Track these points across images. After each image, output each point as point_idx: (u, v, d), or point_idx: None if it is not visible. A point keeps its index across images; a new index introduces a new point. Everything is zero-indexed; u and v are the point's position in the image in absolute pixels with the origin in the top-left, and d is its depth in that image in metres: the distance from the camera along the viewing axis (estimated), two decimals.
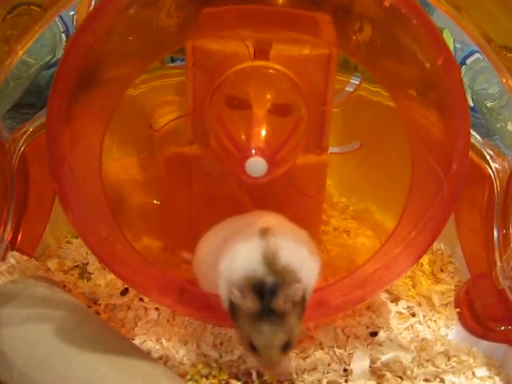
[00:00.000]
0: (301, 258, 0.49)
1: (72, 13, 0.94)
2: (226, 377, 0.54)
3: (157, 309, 0.61)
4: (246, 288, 0.46)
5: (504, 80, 0.55)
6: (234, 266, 0.48)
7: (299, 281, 0.47)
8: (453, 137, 0.51)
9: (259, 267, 0.47)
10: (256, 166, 0.49)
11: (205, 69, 0.56)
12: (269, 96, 0.54)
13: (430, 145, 0.53)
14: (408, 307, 0.64)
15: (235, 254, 0.48)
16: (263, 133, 0.51)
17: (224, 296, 0.48)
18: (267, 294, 0.45)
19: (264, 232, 0.49)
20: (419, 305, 0.65)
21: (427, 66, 0.49)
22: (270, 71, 0.54)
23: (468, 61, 0.99)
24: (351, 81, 0.65)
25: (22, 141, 0.64)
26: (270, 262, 0.47)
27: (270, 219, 0.53)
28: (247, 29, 0.54)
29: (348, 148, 0.63)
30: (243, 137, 0.51)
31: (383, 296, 0.65)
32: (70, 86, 0.50)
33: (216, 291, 0.50)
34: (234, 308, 0.47)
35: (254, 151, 0.49)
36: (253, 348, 0.46)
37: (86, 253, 0.69)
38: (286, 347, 0.46)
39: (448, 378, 0.56)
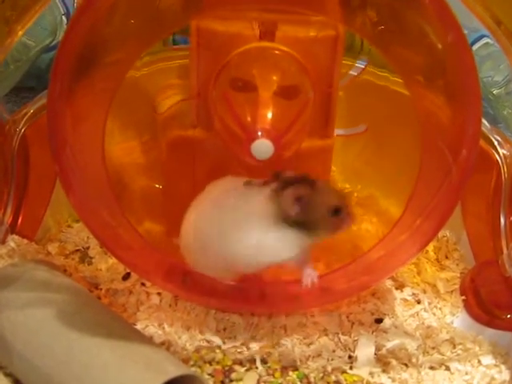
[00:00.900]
0: None
1: None
2: (229, 363, 0.54)
3: (159, 294, 0.61)
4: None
5: None
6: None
7: None
8: (464, 121, 0.50)
9: None
10: (262, 147, 0.49)
11: (209, 50, 0.55)
12: (275, 78, 0.53)
13: (439, 129, 0.52)
14: (413, 294, 0.63)
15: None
16: (269, 115, 0.50)
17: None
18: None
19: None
20: (424, 292, 0.64)
21: (439, 46, 0.49)
22: (276, 52, 0.54)
23: (474, 47, 0.98)
24: (356, 64, 0.64)
25: (22, 122, 0.63)
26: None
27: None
28: (251, 6, 0.52)
29: (354, 130, 0.62)
30: (249, 119, 0.50)
31: (388, 283, 0.64)
32: (71, 67, 0.49)
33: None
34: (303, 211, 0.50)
35: (260, 133, 0.48)
36: (335, 212, 0.51)
37: (88, 237, 0.68)
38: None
39: (453, 365, 0.55)
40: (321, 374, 0.53)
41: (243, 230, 0.52)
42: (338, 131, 0.61)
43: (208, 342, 0.56)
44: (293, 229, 0.51)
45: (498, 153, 0.64)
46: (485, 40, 0.95)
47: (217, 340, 0.56)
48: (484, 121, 0.63)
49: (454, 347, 0.57)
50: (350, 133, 0.63)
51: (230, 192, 0.53)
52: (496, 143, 0.64)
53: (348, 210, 0.52)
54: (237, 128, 0.50)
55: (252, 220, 0.51)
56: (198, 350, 0.55)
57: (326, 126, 0.60)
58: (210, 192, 0.55)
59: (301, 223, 0.51)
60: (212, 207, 0.54)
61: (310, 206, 0.50)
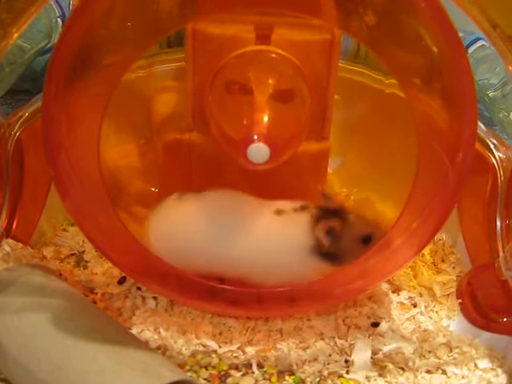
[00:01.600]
0: None
1: None
2: (225, 367, 0.54)
3: (155, 298, 0.60)
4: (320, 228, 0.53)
5: (510, 68, 0.54)
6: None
7: None
8: (460, 125, 0.50)
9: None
10: (258, 151, 0.48)
11: (205, 53, 0.55)
12: (271, 81, 0.53)
13: (436, 132, 0.52)
14: (409, 298, 0.63)
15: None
16: (265, 118, 0.50)
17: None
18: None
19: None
20: (420, 295, 0.64)
21: (434, 50, 0.48)
22: (272, 56, 0.54)
23: (470, 50, 0.98)
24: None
25: (17, 126, 0.63)
26: None
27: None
28: (248, 9, 0.52)
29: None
30: (245, 122, 0.50)
31: (384, 286, 0.64)
32: (66, 70, 0.48)
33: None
34: (334, 241, 0.53)
35: (256, 137, 0.48)
36: (367, 240, 0.53)
37: (83, 241, 0.68)
38: None
39: (450, 369, 0.55)
40: (317, 379, 0.53)
41: (282, 256, 0.55)
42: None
43: (204, 346, 0.56)
44: (323, 259, 0.54)
45: (494, 156, 0.64)
46: (480, 42, 0.95)
47: (213, 344, 0.56)
48: (480, 124, 0.63)
49: (451, 351, 0.57)
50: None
51: (251, 214, 0.55)
52: (492, 146, 0.64)
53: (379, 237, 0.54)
54: (232, 131, 0.50)
55: (292, 248, 0.55)
56: (193, 354, 0.55)
57: (322, 129, 0.60)
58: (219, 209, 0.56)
59: (332, 253, 0.54)
60: (233, 228, 0.55)
61: (341, 238, 0.53)
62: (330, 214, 0.54)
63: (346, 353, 0.56)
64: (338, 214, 0.54)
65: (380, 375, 0.54)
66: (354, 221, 0.54)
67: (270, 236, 0.55)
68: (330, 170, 0.69)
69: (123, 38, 0.51)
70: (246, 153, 0.48)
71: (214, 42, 0.55)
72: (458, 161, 0.50)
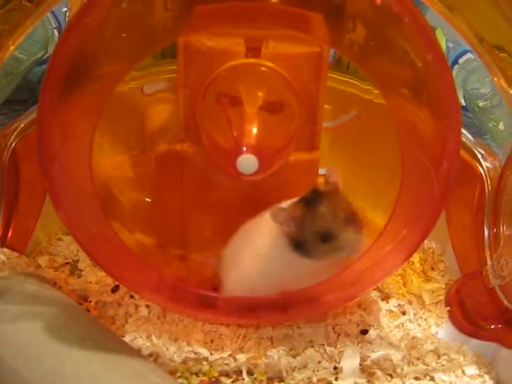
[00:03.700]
0: None
1: (65, 9, 0.94)
2: (216, 374, 0.54)
3: (147, 306, 0.61)
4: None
5: (496, 79, 0.55)
6: None
7: None
8: (444, 135, 0.51)
9: None
10: (247, 163, 0.49)
11: (197, 65, 0.56)
12: (260, 93, 0.54)
13: (421, 143, 0.53)
14: (399, 305, 0.64)
15: None
16: (254, 130, 0.51)
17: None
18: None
19: None
20: (410, 303, 0.65)
21: (419, 64, 0.50)
22: (262, 69, 0.55)
23: (460, 60, 0.99)
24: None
25: (13, 137, 0.64)
26: None
27: None
28: (239, 25, 0.53)
29: (342, 119, 0.63)
30: (234, 134, 0.51)
31: (374, 294, 0.65)
32: (60, 82, 0.49)
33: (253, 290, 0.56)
34: (291, 235, 0.52)
35: (245, 148, 0.49)
36: (326, 237, 0.51)
37: (77, 250, 0.69)
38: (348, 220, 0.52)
39: (438, 376, 0.56)
40: None
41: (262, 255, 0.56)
42: (326, 124, 0.62)
43: (195, 353, 0.57)
44: (296, 253, 0.53)
45: (482, 166, 0.64)
46: (469, 55, 0.96)
47: (204, 351, 0.57)
48: (468, 134, 0.64)
49: (439, 358, 0.58)
50: (339, 123, 0.64)
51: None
52: (480, 156, 0.65)
53: (348, 236, 0.52)
54: (222, 143, 0.51)
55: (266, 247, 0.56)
56: (185, 361, 0.56)
57: (312, 140, 0.61)
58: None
59: (300, 247, 0.53)
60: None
61: (303, 228, 0.52)
62: (300, 201, 0.53)
63: (335, 360, 0.57)
64: (308, 202, 0.53)
65: (368, 382, 0.55)
66: (321, 213, 0.52)
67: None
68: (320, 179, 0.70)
69: (117, 50, 0.52)
70: (235, 164, 0.49)
71: (205, 54, 0.56)
72: (442, 170, 0.51)
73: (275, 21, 0.51)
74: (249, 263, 0.57)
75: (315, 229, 0.52)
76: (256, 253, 0.56)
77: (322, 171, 0.63)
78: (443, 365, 0.57)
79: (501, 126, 0.91)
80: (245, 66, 0.55)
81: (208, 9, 0.51)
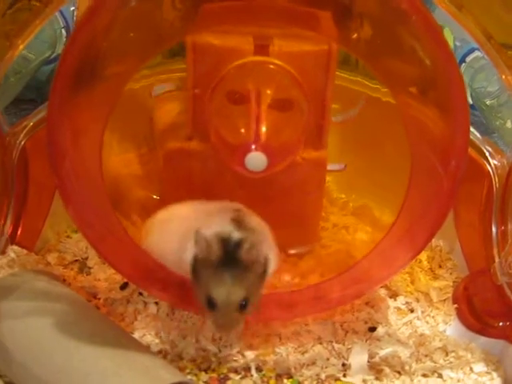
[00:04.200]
0: (265, 236, 0.51)
1: (72, 8, 0.94)
2: (224, 371, 0.55)
3: (156, 303, 0.62)
4: (213, 238, 0.47)
5: (503, 77, 0.55)
6: (204, 229, 0.48)
7: (264, 240, 0.49)
8: (452, 133, 0.51)
9: (227, 226, 0.48)
10: (256, 160, 0.50)
11: (205, 64, 0.56)
12: (269, 91, 0.54)
13: (429, 141, 0.53)
14: (406, 303, 0.64)
15: (206, 224, 0.49)
16: (263, 128, 0.51)
17: (189, 257, 0.49)
18: (232, 245, 0.47)
19: (234, 210, 0.51)
20: (417, 301, 0.65)
21: (427, 62, 0.50)
22: (271, 66, 0.55)
23: (468, 59, 0.99)
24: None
25: (22, 135, 0.64)
26: (239, 222, 0.49)
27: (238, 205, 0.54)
28: (248, 23, 0.54)
29: (348, 114, 0.64)
30: (243, 131, 0.51)
31: (382, 292, 0.65)
32: (70, 81, 0.50)
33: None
34: (197, 262, 0.48)
35: (253, 146, 0.49)
36: (211, 305, 0.47)
37: (86, 247, 0.69)
38: (243, 306, 0.47)
39: (446, 373, 0.56)
40: (315, 382, 0.54)
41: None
42: (335, 118, 0.62)
43: (204, 350, 0.57)
44: None
45: (490, 163, 0.64)
46: (477, 53, 0.96)
47: (213, 348, 0.57)
48: (476, 132, 0.64)
49: (447, 355, 0.58)
50: (347, 117, 0.64)
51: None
52: (487, 154, 0.65)
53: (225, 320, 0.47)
54: (232, 140, 0.51)
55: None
56: (194, 358, 0.56)
57: (320, 138, 0.61)
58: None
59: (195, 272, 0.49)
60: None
61: (203, 274, 0.48)
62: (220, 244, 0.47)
63: (343, 356, 0.57)
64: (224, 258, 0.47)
65: (376, 378, 0.55)
66: (224, 285, 0.47)
67: None
68: (328, 178, 0.70)
69: (125, 49, 0.53)
70: (243, 161, 0.50)
71: (213, 53, 0.56)
72: (450, 168, 0.52)
73: (283, 19, 0.51)
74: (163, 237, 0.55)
75: (208, 292, 0.47)
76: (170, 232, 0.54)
77: (329, 167, 0.64)
78: (451, 362, 0.57)
79: (508, 124, 0.91)
80: (253, 64, 0.55)
81: (217, 7, 0.52)
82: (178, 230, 0.53)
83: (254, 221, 0.51)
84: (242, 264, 0.47)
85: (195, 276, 0.49)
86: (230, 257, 0.47)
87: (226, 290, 0.46)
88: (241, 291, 0.46)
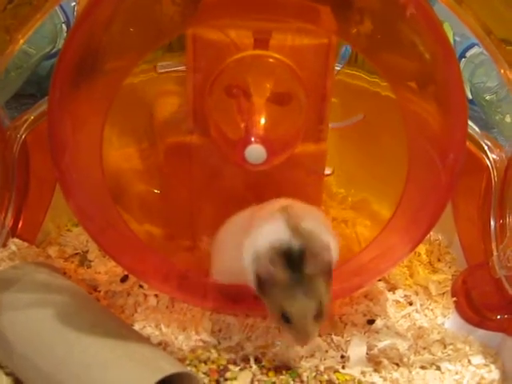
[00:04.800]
0: (322, 229, 0.50)
1: (73, 3, 0.95)
2: (224, 362, 0.55)
3: (156, 295, 0.62)
4: (274, 256, 0.46)
5: (503, 72, 0.55)
6: (259, 239, 0.48)
7: (325, 245, 0.48)
8: (450, 127, 0.51)
9: (285, 234, 0.47)
10: (255, 152, 0.50)
11: (205, 58, 0.57)
12: (268, 85, 0.54)
13: (427, 135, 0.54)
14: (405, 296, 0.65)
15: (259, 230, 0.49)
16: (262, 121, 0.51)
17: (251, 272, 0.49)
18: (296, 259, 0.46)
19: (283, 208, 0.50)
20: (416, 294, 0.65)
21: (427, 57, 0.50)
22: (270, 60, 0.55)
23: (467, 54, 0.99)
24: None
25: (23, 129, 0.64)
26: (295, 228, 0.48)
27: (286, 201, 0.53)
28: (247, 17, 0.54)
29: (350, 121, 0.64)
30: (243, 125, 0.52)
31: (380, 285, 0.65)
32: (70, 75, 0.50)
33: (236, 279, 0.52)
34: (263, 281, 0.47)
35: (253, 138, 0.50)
36: (286, 319, 0.47)
37: (87, 240, 0.69)
38: (318, 317, 0.47)
39: (444, 365, 0.57)
40: (313, 374, 0.54)
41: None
42: (333, 124, 0.62)
43: (203, 342, 0.57)
44: None
45: (488, 157, 0.65)
46: (476, 48, 0.96)
47: (212, 340, 0.57)
48: (475, 126, 0.65)
49: (445, 347, 0.59)
50: (347, 124, 0.64)
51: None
52: (486, 148, 0.65)
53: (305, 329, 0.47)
54: (231, 133, 0.52)
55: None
56: (193, 349, 0.56)
57: (319, 131, 0.61)
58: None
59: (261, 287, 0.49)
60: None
61: (275, 294, 0.48)
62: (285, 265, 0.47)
63: (342, 349, 0.58)
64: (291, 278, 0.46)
65: (375, 370, 0.56)
66: (298, 301, 0.46)
67: None
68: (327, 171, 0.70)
69: (125, 43, 0.53)
70: (243, 154, 0.50)
71: (213, 46, 0.56)
72: (449, 162, 0.52)
73: (283, 12, 0.51)
74: (230, 250, 0.55)
75: (281, 309, 0.47)
76: (236, 242, 0.53)
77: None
78: (449, 354, 0.58)
79: (508, 119, 0.91)
80: (253, 57, 0.55)
81: (216, 1, 0.52)
82: (234, 240, 0.53)
83: (308, 216, 0.50)
84: (309, 276, 0.46)
85: (263, 292, 0.48)
86: (295, 269, 0.46)
87: (300, 306, 0.46)
88: (314, 303, 0.46)
